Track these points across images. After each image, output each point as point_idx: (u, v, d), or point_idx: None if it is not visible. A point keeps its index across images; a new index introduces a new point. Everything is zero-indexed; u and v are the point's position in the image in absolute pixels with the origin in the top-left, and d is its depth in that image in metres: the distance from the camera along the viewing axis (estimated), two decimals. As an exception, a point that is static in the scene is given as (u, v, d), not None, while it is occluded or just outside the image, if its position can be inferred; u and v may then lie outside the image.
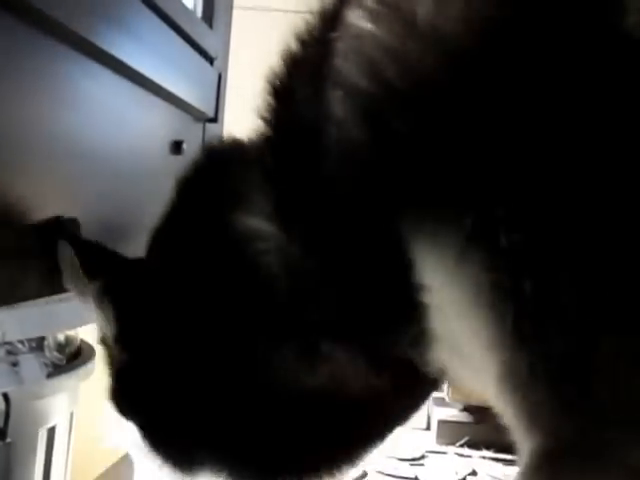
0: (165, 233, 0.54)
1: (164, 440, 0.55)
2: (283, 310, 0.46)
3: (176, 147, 0.89)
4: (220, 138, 0.58)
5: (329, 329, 0.46)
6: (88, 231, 0.65)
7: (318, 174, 0.42)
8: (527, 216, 0.34)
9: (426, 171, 0.36)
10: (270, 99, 0.46)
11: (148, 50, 0.76)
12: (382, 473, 1.33)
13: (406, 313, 0.41)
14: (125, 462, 1.21)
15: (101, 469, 1.18)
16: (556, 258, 0.34)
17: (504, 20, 0.34)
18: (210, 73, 1.04)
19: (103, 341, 0.57)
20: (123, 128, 0.75)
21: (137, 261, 0.57)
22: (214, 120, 1.05)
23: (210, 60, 1.02)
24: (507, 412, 0.38)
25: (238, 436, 0.52)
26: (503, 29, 0.34)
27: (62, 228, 0.57)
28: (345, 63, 0.40)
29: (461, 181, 0.35)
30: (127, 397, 0.56)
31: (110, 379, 0.58)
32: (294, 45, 0.45)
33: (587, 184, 0.33)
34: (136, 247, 0.75)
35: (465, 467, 1.24)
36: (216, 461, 0.53)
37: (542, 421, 0.36)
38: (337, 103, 0.39)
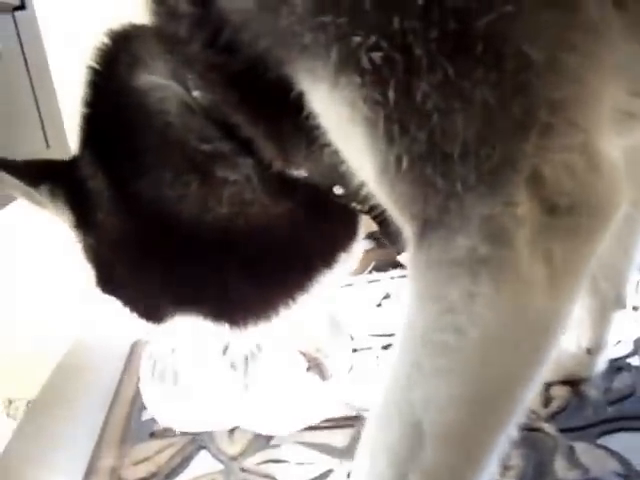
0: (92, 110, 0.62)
1: (141, 302, 0.66)
2: (181, 144, 0.57)
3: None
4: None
5: (222, 154, 0.56)
6: None
7: (219, 37, 0.50)
8: (380, 38, 0.42)
9: (302, 26, 0.44)
10: None
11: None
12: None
13: (295, 134, 0.52)
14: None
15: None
16: (407, 66, 0.42)
17: None
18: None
19: None
20: None
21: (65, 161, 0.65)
22: (22, 7, 0.99)
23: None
24: (387, 206, 0.48)
25: (191, 280, 0.62)
26: None
27: None
28: None
29: (324, 24, 0.43)
30: (105, 276, 0.66)
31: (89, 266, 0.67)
32: None
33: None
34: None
35: (378, 292, 1.25)
36: (185, 309, 0.64)
37: (412, 205, 0.45)
38: None
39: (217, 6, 0.50)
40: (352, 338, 1.12)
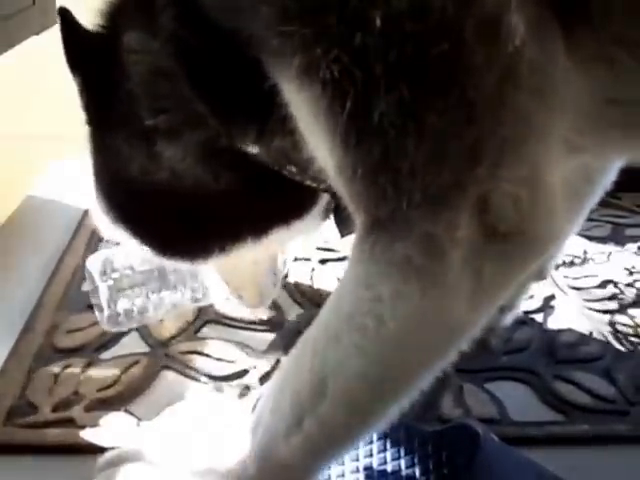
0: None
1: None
2: (138, 110, 0.60)
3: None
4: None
5: (161, 131, 0.60)
6: None
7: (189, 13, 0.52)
8: (341, 52, 0.45)
9: (268, 31, 0.47)
10: None
11: None
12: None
13: (245, 118, 0.56)
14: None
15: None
16: (366, 82, 0.45)
17: None
18: None
19: None
20: None
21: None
22: None
23: None
24: (342, 196, 0.52)
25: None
26: None
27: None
28: None
29: (290, 32, 0.46)
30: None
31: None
32: None
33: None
34: None
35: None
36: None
37: (363, 205, 0.49)
38: None
39: None
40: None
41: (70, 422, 0.76)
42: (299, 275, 1.08)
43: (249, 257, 0.76)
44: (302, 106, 0.49)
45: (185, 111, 0.58)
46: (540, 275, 0.92)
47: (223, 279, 0.85)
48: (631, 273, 1.09)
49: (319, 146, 0.50)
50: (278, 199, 0.66)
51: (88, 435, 0.74)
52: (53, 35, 1.26)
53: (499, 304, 0.50)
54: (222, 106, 0.56)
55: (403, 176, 0.46)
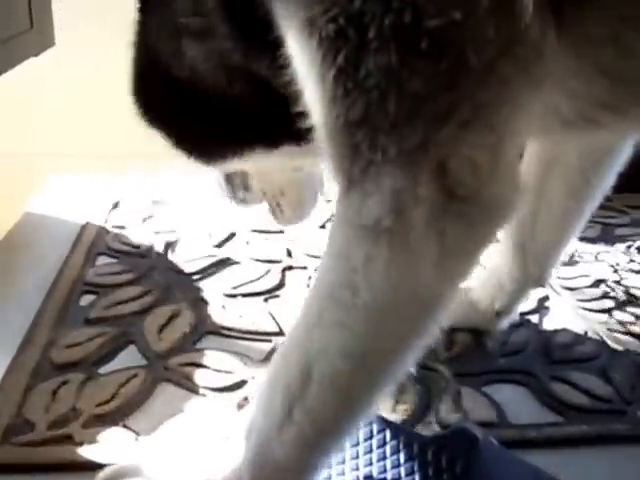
0: None
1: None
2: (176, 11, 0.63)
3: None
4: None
5: (191, 31, 0.62)
6: None
7: None
8: (339, 13, 0.47)
9: None
10: None
11: None
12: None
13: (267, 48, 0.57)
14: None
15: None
16: (359, 43, 0.47)
17: None
18: None
19: None
20: None
21: None
22: None
23: None
24: (324, 153, 0.53)
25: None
26: None
27: None
28: None
29: None
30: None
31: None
32: None
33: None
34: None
35: (325, 213, 1.24)
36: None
37: (342, 162, 0.51)
38: None
39: None
40: (290, 255, 1.19)
41: (68, 439, 0.75)
42: (296, 284, 1.09)
43: (289, 165, 0.77)
44: (300, 57, 0.51)
45: (216, 21, 0.60)
46: (539, 282, 0.93)
47: (261, 189, 0.83)
48: (627, 271, 1.10)
49: (310, 98, 0.52)
50: (287, 118, 0.64)
51: (86, 452, 0.73)
52: (51, 56, 1.28)
53: (468, 275, 0.51)
54: (241, 33, 0.58)
55: (379, 132, 0.48)
